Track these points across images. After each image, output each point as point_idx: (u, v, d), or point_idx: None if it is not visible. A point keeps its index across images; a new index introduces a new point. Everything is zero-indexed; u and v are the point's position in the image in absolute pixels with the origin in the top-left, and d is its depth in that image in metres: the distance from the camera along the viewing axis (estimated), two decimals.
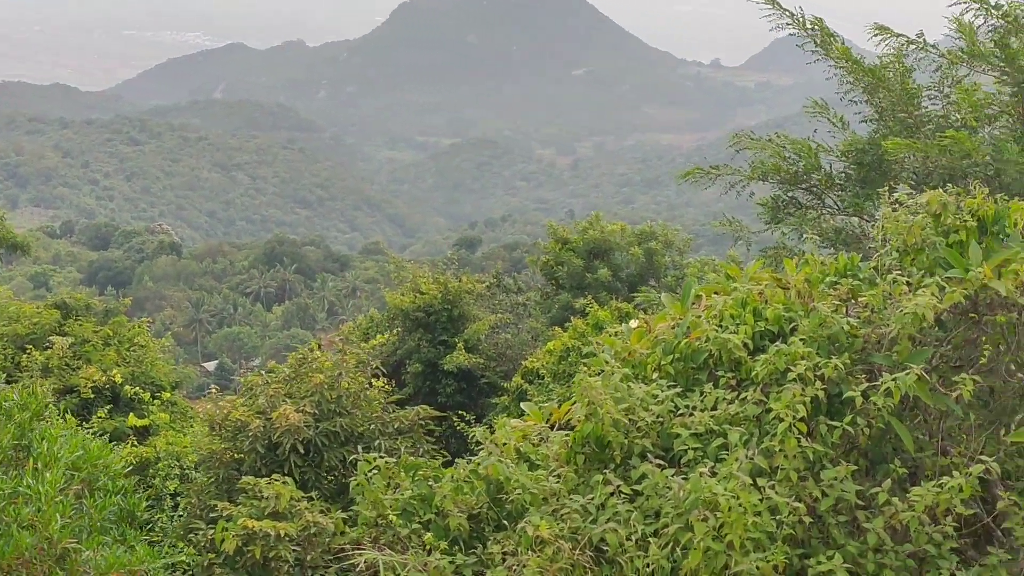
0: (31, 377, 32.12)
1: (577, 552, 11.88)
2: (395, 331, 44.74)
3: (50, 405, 13.78)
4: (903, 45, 30.23)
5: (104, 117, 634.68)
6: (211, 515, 16.38)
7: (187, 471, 26.83)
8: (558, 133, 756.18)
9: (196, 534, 16.29)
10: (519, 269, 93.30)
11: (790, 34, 31.36)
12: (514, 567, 11.78)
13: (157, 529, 22.26)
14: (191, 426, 35.73)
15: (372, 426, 20.02)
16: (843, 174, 30.54)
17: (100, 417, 31.13)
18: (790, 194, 31.35)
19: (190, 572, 18.91)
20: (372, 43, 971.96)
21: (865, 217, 29.04)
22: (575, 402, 13.69)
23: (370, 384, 22.15)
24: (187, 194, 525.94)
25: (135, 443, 30.62)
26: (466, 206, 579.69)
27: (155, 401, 35.47)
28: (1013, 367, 13.61)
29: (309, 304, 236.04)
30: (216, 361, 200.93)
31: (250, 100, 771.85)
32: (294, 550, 14.37)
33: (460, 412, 37.26)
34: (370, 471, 13.82)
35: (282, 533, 14.16)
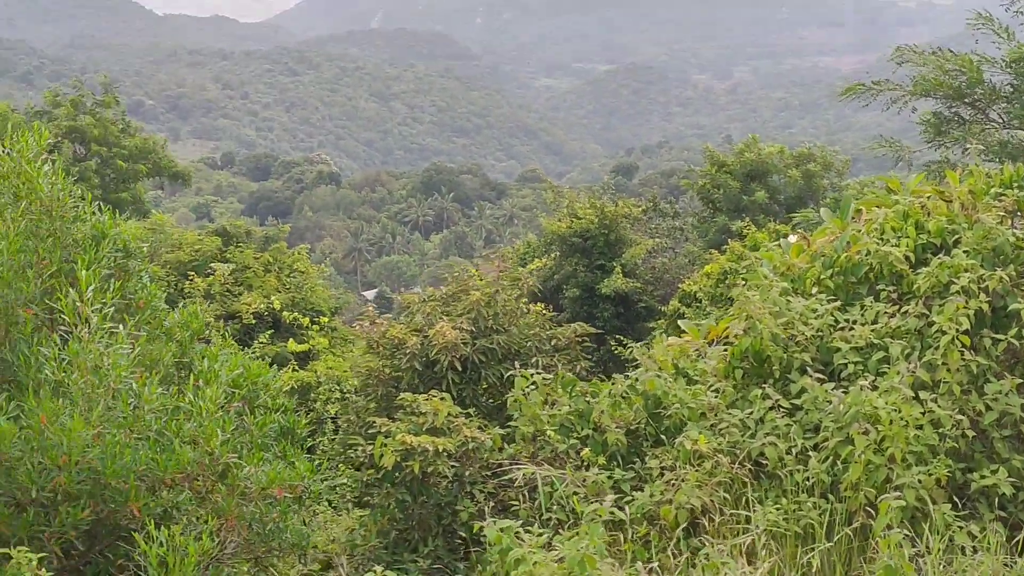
0: (193, 303, 32.59)
1: (736, 466, 11.81)
2: (552, 256, 44.78)
3: (211, 325, 13.98)
4: None
5: (263, 48, 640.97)
6: (370, 432, 16.48)
7: (347, 395, 27.06)
8: (715, 58, 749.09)
9: (355, 450, 16.41)
10: (676, 195, 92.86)
11: None
12: (672, 481, 11.74)
13: (319, 452, 22.50)
14: (351, 351, 36.04)
15: (529, 343, 19.98)
16: (1009, 86, 29.84)
17: (261, 342, 31.44)
18: (952, 109, 30.74)
19: (349, 494, 19.11)
20: None
21: None
22: (733, 319, 13.58)
23: (528, 308, 22.19)
24: (345, 124, 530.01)
25: (296, 368, 30.92)
26: (622, 133, 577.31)
27: (314, 326, 35.86)
28: None
29: (467, 232, 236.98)
30: (375, 290, 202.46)
31: (407, 29, 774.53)
32: (452, 466, 14.43)
33: (617, 336, 37.12)
34: (527, 387, 13.82)
35: (440, 448, 14.21)
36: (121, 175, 57.99)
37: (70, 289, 11.54)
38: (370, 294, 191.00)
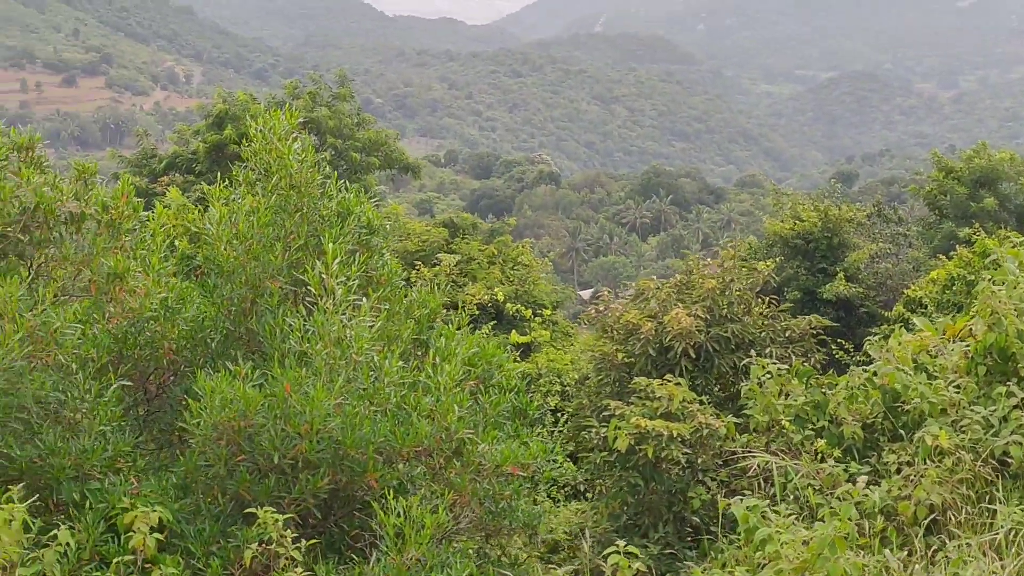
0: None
1: (979, 464, 11.56)
2: (774, 258, 44.45)
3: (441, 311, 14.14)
4: None
5: (488, 50, 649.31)
6: (603, 415, 16.50)
7: (567, 388, 27.12)
8: (939, 66, 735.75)
9: (589, 432, 16.45)
10: (897, 204, 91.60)
11: None
12: (911, 477, 11.54)
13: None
14: (572, 345, 36.14)
15: (763, 333, 19.80)
16: None
17: (484, 333, 31.60)
18: None
19: (568, 487, 19.18)
20: None
21: None
22: (974, 316, 13.31)
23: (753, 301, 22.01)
24: (567, 125, 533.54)
25: (517, 359, 31.06)
26: (843, 141, 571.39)
27: (536, 319, 36.04)
28: None
29: (683, 235, 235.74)
30: (592, 289, 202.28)
31: (629, 33, 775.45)
32: (685, 452, 14.38)
33: (839, 341, 36.67)
34: (763, 376, 13.71)
35: (674, 433, 14.17)
36: (354, 167, 58.80)
37: (316, 262, 11.76)
38: (586, 293, 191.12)
